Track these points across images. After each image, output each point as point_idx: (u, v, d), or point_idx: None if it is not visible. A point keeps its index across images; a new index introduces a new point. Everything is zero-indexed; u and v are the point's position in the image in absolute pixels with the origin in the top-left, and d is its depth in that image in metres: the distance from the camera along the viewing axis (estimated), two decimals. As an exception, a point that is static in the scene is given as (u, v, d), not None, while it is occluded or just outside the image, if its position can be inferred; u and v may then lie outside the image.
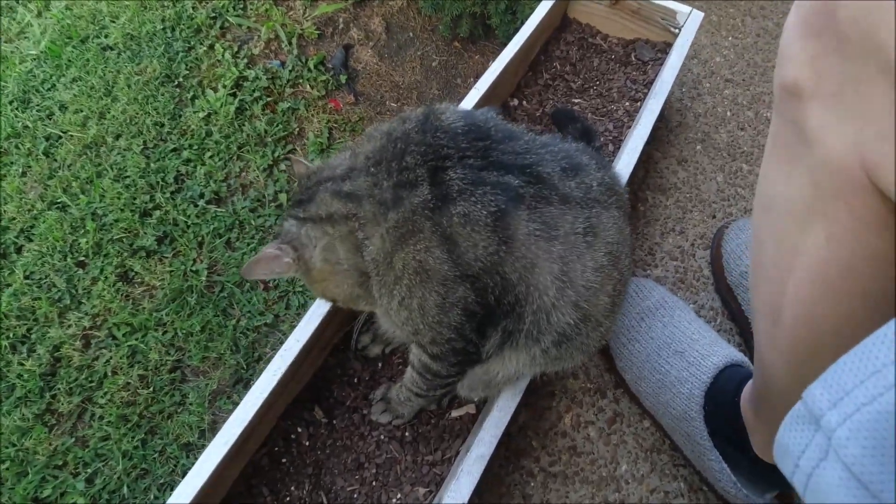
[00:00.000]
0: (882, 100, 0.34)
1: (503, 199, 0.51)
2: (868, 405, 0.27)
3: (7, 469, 0.91)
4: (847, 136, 0.38)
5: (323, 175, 0.58)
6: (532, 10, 1.46)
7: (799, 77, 0.40)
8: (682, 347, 0.84)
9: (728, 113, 1.27)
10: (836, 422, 0.29)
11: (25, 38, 1.34)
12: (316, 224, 0.57)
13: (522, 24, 1.48)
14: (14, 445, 0.93)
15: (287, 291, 1.13)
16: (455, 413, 0.79)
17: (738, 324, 0.99)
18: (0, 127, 1.21)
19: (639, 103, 1.07)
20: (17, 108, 1.24)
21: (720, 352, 0.82)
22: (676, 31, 1.07)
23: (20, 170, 1.17)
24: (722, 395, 0.78)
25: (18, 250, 1.09)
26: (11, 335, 1.01)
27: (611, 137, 1.03)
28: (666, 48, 1.10)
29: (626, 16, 1.12)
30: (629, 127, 1.03)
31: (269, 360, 1.09)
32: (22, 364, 0.98)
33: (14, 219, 1.12)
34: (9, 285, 1.05)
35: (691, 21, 1.04)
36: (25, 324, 1.02)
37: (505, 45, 1.59)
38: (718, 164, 1.19)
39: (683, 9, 1.06)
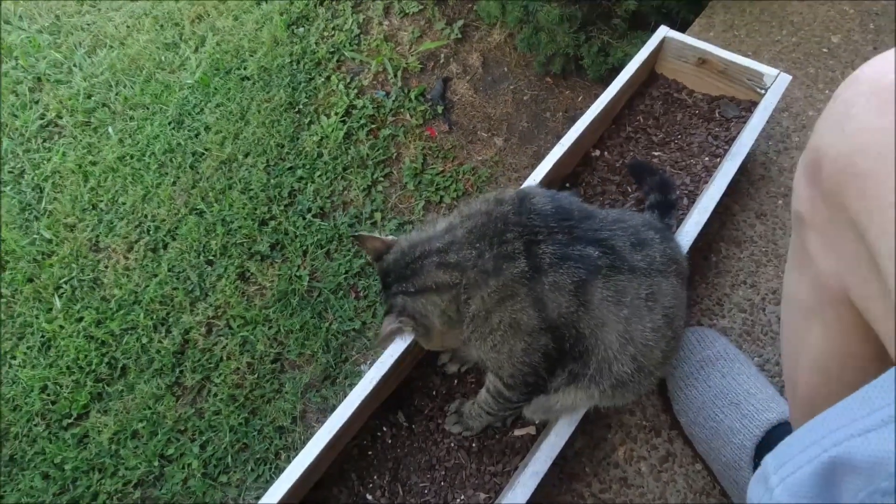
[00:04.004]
0: (851, 247, 0.44)
1: (584, 271, 0.62)
2: (794, 473, 0.37)
3: (143, 427, 1.11)
4: (831, 264, 0.48)
5: (423, 249, 0.69)
6: (623, 52, 1.52)
7: (801, 209, 0.50)
8: (738, 399, 0.88)
9: (814, 169, 1.27)
10: (775, 483, 0.39)
11: (184, 69, 1.59)
12: (428, 294, 0.68)
13: (614, 64, 1.54)
14: (149, 409, 1.13)
15: (374, 302, 1.27)
16: (517, 432, 0.89)
17: (801, 382, 1.00)
18: (160, 143, 1.45)
19: (718, 159, 1.10)
20: (173, 129, 1.48)
21: (776, 408, 0.85)
22: (763, 91, 1.10)
23: (172, 180, 1.40)
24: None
25: (165, 247, 1.31)
26: (154, 317, 1.22)
27: (687, 191, 1.08)
28: (751, 106, 1.12)
29: (712, 74, 1.16)
30: (706, 182, 1.07)
31: (354, 362, 1.24)
32: (161, 342, 1.19)
33: (164, 220, 1.34)
34: (156, 275, 1.26)
35: (778, 83, 1.06)
36: (165, 308, 1.23)
37: (596, 82, 1.66)
38: (799, 220, 1.20)
39: (770, 71, 1.08)
